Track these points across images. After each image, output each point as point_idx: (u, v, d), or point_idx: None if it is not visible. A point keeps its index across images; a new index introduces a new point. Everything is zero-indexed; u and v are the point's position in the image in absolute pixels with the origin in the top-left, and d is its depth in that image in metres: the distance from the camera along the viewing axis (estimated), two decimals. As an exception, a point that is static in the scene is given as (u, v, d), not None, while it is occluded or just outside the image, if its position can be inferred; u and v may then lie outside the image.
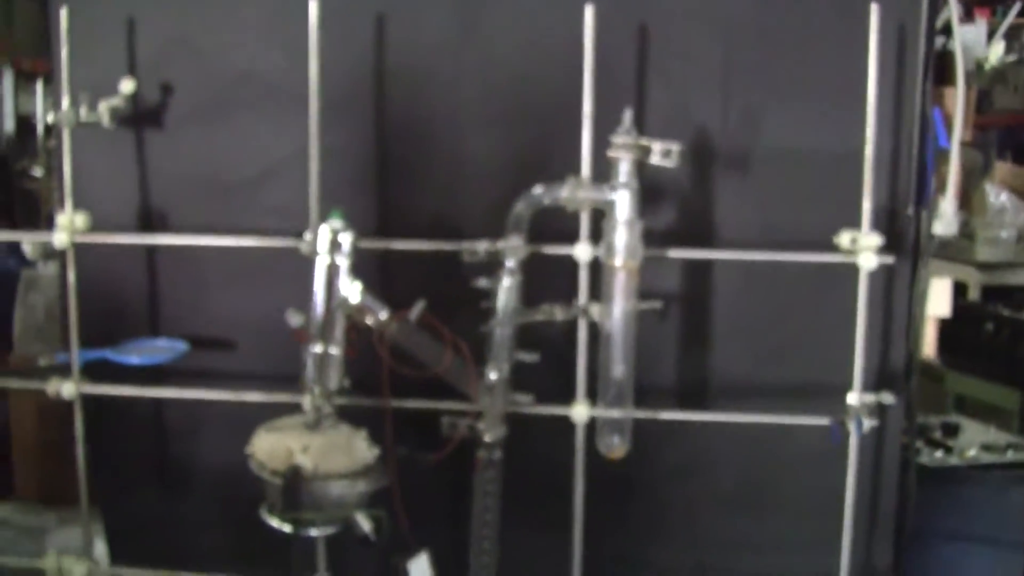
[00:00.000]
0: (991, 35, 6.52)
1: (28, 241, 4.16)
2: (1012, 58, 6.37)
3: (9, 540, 3.38)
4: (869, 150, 2.59)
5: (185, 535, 3.10)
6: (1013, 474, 3.48)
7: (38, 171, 5.48)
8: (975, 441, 3.71)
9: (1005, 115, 6.25)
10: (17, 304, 3.81)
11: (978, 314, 4.91)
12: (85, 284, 2.83)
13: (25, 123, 5.88)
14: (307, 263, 2.45)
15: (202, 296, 2.98)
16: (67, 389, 2.79)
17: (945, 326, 4.62)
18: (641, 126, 2.49)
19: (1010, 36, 6.52)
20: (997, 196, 5.50)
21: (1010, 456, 3.57)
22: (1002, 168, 5.99)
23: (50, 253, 4.19)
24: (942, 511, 3.63)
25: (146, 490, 3.14)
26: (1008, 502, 3.47)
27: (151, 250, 2.96)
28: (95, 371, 2.84)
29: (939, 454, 3.76)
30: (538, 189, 2.48)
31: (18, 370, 3.45)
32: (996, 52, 6.42)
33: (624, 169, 2.40)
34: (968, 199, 5.36)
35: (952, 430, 3.90)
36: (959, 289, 5.35)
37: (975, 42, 6.20)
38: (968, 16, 6.23)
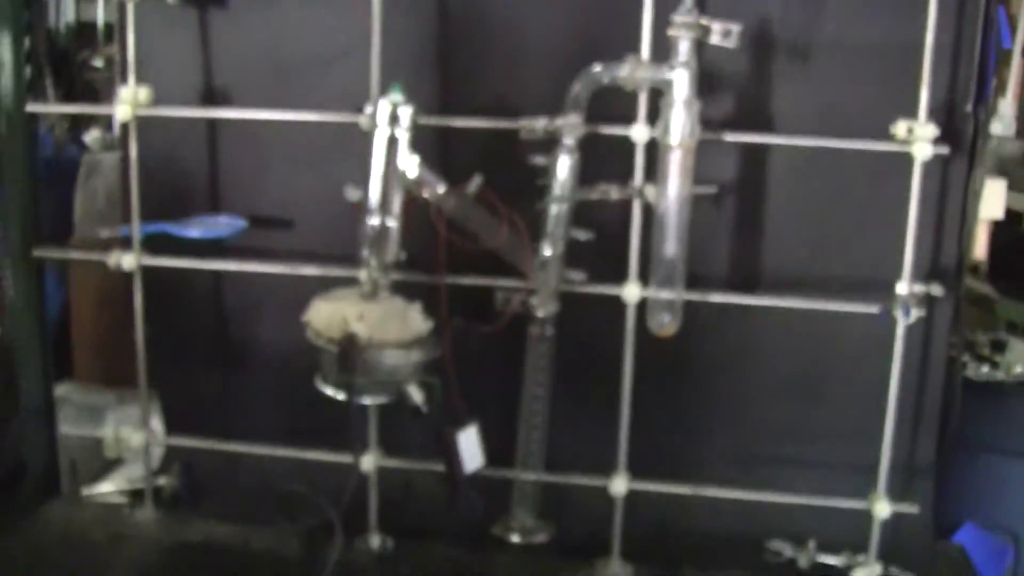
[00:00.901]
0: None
1: (90, 112, 4.17)
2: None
3: (69, 417, 3.44)
4: (929, 39, 2.56)
5: (242, 413, 3.17)
6: (1059, 392, 3.50)
7: (99, 62, 5.51)
8: (1023, 358, 3.71)
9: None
10: (78, 188, 3.85)
11: (1031, 240, 4.89)
12: (146, 162, 2.85)
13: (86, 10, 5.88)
14: (368, 143, 2.45)
15: (262, 175, 3.02)
16: (127, 261, 2.83)
17: (1000, 253, 4.59)
18: (702, 10, 2.49)
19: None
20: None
21: (1057, 373, 3.59)
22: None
23: (110, 144, 4.24)
24: (985, 424, 3.65)
25: (203, 368, 3.22)
26: (1052, 419, 3.49)
27: (212, 127, 3.00)
28: (155, 246, 2.88)
29: (985, 369, 3.77)
30: (597, 67, 2.48)
31: (80, 242, 3.50)
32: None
33: (683, 48, 2.40)
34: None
35: (1000, 347, 3.91)
36: (1014, 218, 5.31)
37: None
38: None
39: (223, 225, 2.92)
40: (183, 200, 3.02)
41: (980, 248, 2.89)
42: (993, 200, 2.85)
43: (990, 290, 4.76)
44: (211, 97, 3.00)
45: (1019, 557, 3.52)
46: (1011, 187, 5.03)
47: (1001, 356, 3.94)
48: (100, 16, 5.70)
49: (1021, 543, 3.49)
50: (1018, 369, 3.70)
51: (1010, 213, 3.55)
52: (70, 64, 5.36)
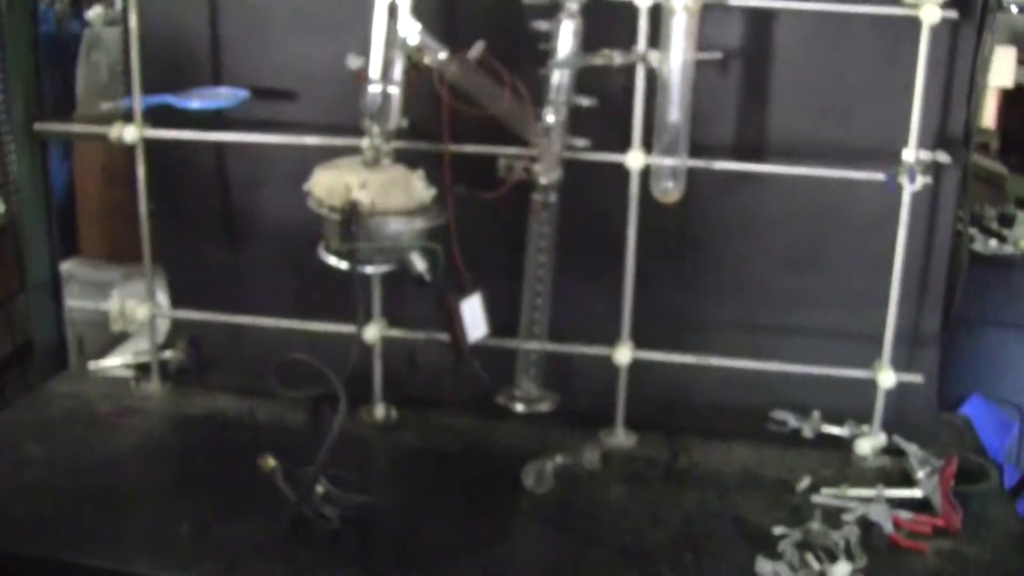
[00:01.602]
0: None
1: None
2: None
3: (75, 293, 3.47)
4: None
5: (247, 286, 3.18)
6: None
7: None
8: (1031, 231, 3.71)
9: None
10: (80, 63, 3.83)
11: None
12: (147, 34, 2.83)
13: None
14: (369, 12, 2.42)
15: (264, 44, 2.97)
16: (129, 133, 2.81)
17: (1011, 129, 4.56)
18: None
19: None
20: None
21: (1065, 247, 3.59)
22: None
23: (112, 20, 4.20)
24: (992, 297, 3.66)
25: (208, 241, 3.21)
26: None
27: (213, -1, 2.96)
28: (158, 119, 2.86)
29: (993, 243, 3.76)
30: (602, -71, 2.45)
31: (83, 117, 3.49)
32: None
33: (690, -92, 2.37)
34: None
35: (1008, 221, 3.90)
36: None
37: None
38: None
39: (225, 96, 2.90)
40: (185, 72, 3.00)
41: (989, 117, 2.85)
42: (1003, 68, 2.80)
43: (1000, 167, 4.74)
44: (212, -33, 2.95)
45: (1025, 430, 3.56)
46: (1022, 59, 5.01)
47: (1009, 230, 3.94)
48: None
49: (1027, 417, 3.53)
50: (1027, 242, 3.70)
51: (1020, 87, 3.51)
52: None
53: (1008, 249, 3.85)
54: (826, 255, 2.91)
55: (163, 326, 3.15)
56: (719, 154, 2.75)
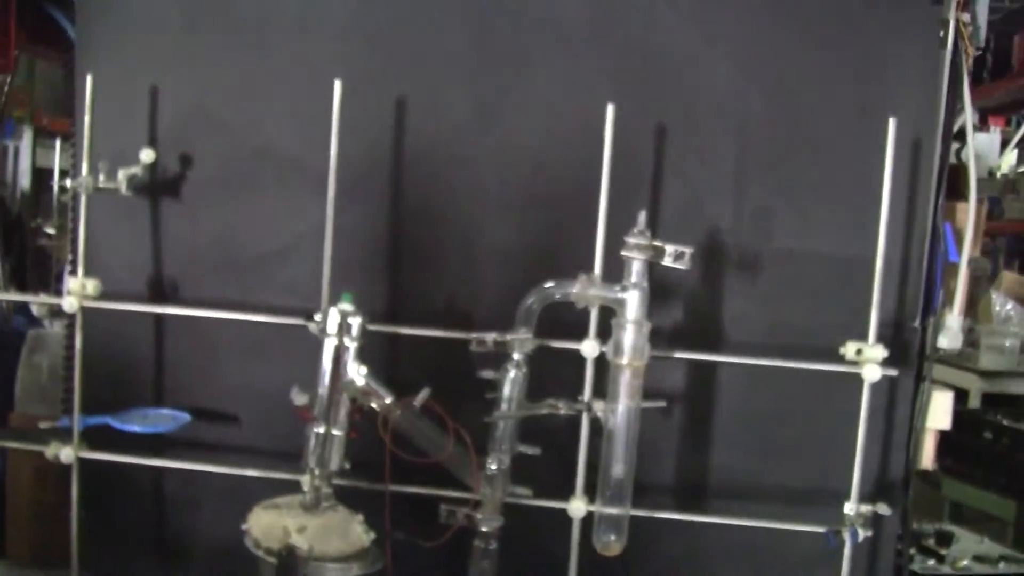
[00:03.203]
0: (1004, 144, 6.57)
1: (38, 303, 4.18)
2: (1024, 169, 6.42)
3: (-3, 597, 3.35)
4: (879, 264, 2.61)
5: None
6: (1005, 587, 3.48)
7: (51, 229, 5.51)
8: (968, 551, 3.70)
9: (1014, 224, 6.26)
10: (21, 363, 3.79)
11: (978, 422, 4.90)
12: (92, 348, 2.84)
13: (41, 177, 5.91)
14: (316, 340, 2.46)
15: (209, 367, 2.98)
16: (66, 454, 2.78)
17: (944, 433, 4.61)
18: (655, 221, 2.53)
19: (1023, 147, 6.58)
20: (1003, 305, 5.50)
21: (1002, 568, 3.57)
22: (1009, 277, 6.00)
23: (58, 312, 4.18)
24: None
25: (140, 558, 3.12)
26: (999, 615, 3.47)
27: (160, 319, 2.97)
28: (96, 436, 2.84)
29: (932, 562, 3.74)
30: (549, 284, 2.49)
31: (18, 430, 3.43)
32: (1008, 161, 6.46)
33: (636, 269, 2.42)
34: (974, 306, 5.36)
35: (946, 539, 3.88)
36: (960, 396, 5.34)
37: (988, 150, 6.26)
38: (983, 124, 6.28)
39: (166, 419, 2.88)
40: (128, 388, 2.99)
41: (928, 459, 2.89)
42: (940, 411, 2.85)
43: (935, 469, 4.76)
44: (160, 287, 2.98)
45: None
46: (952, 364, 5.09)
47: (947, 548, 3.92)
48: (56, 172, 5.72)
49: None
50: (963, 563, 3.67)
51: (957, 414, 3.55)
52: (22, 230, 5.34)
53: (946, 569, 3.82)
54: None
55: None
56: (662, 494, 2.76)
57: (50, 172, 5.94)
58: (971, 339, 5.30)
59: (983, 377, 5.37)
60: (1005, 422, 4.83)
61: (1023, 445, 4.68)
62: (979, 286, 5.53)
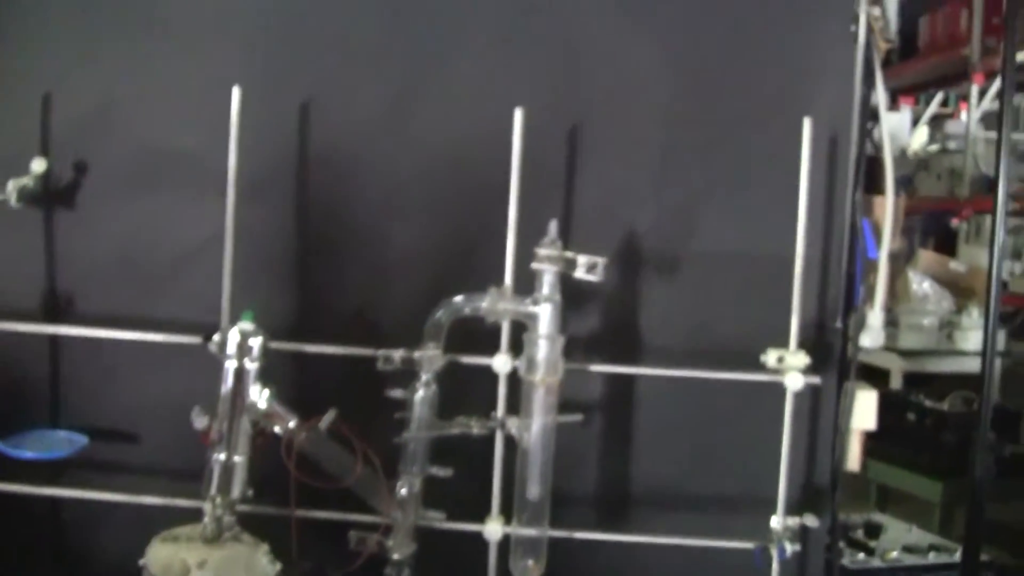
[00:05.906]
0: (915, 122, 6.62)
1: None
2: (935, 147, 6.44)
3: None
4: (798, 267, 2.57)
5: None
6: (934, 577, 3.46)
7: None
8: (897, 541, 3.68)
9: (928, 202, 6.29)
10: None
11: (901, 403, 4.90)
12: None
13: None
14: (219, 360, 2.36)
15: (106, 385, 2.86)
16: (-48, 482, 2.65)
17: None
18: (569, 226, 2.48)
19: (933, 125, 6.62)
20: (920, 283, 5.50)
21: (932, 558, 3.56)
22: (925, 255, 6.02)
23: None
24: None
25: (39, 585, 3.00)
26: (931, 607, 3.45)
27: (54, 336, 2.84)
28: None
29: (861, 556, 3.71)
30: (458, 298, 2.42)
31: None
32: (919, 140, 6.49)
33: (548, 281, 2.35)
34: (891, 286, 5.36)
35: (874, 531, 3.86)
36: (882, 377, 5.33)
37: (899, 129, 6.30)
38: (893, 103, 6.32)
39: (62, 443, 2.75)
40: (21, 410, 2.85)
41: (854, 460, 2.85)
42: (865, 411, 2.81)
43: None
44: (55, 301, 2.85)
45: None
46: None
47: (876, 540, 3.89)
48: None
49: None
50: (893, 554, 3.65)
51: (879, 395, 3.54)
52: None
53: (876, 562, 3.80)
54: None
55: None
56: (583, 507, 2.69)
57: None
58: (890, 318, 5.30)
59: (904, 356, 5.37)
60: (928, 403, 4.84)
61: (946, 425, 4.68)
62: (895, 267, 5.52)
